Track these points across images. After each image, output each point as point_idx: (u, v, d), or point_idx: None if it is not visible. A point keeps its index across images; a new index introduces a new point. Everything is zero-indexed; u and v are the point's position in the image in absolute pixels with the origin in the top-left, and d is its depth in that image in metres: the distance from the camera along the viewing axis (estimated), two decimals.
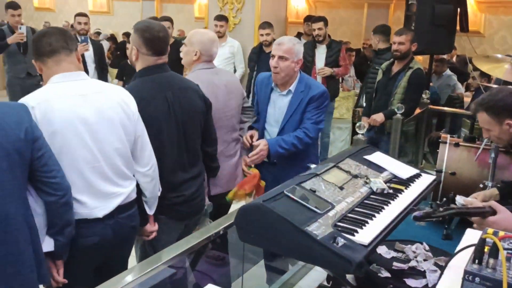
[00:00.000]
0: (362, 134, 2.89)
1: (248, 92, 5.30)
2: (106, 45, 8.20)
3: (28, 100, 1.74)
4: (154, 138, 2.09)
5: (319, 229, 1.45)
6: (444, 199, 1.89)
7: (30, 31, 5.23)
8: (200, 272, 2.26)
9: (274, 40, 5.24)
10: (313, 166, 1.93)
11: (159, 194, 2.15)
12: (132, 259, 2.20)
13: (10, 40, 4.92)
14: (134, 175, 2.04)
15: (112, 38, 10.58)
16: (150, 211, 2.15)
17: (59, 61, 1.85)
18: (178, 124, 2.22)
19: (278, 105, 2.77)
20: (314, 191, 1.66)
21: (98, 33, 10.48)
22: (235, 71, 5.56)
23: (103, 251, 1.93)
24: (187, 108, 2.25)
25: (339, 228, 1.49)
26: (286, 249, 1.52)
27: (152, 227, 2.20)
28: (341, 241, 1.41)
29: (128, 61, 5.02)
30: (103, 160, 1.87)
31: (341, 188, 1.76)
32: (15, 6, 5.17)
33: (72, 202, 1.76)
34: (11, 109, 1.61)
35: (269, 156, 2.69)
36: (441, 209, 1.54)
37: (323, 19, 5.19)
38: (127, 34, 10.05)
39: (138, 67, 2.25)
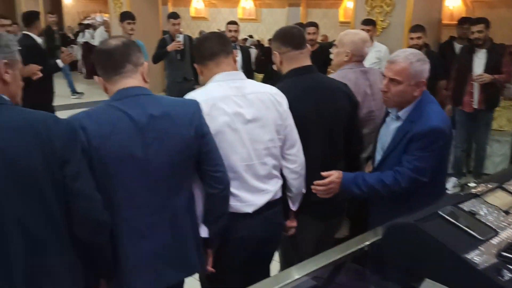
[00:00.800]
0: None
1: None
2: (253, 52, 8.58)
3: (196, 96, 1.87)
4: (301, 137, 2.11)
5: (480, 257, 1.30)
6: None
7: (188, 38, 5.69)
8: (340, 286, 2.20)
9: (425, 44, 4.93)
10: (471, 184, 1.73)
11: (304, 191, 2.18)
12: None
13: (170, 47, 5.41)
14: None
15: (259, 44, 11.03)
16: (294, 207, 2.20)
17: (219, 63, 1.97)
18: (325, 124, 2.23)
19: (388, 130, 2.25)
20: (474, 214, 1.50)
21: (245, 39, 11.01)
22: None
23: (251, 245, 1.99)
24: (333, 109, 2.26)
25: (505, 259, 1.31)
26: (438, 275, 1.38)
27: (292, 223, 2.23)
28: (507, 275, 1.24)
29: (274, 66, 5.18)
30: (256, 159, 1.94)
31: (507, 212, 1.56)
32: (175, 16, 5.67)
33: (229, 196, 1.86)
34: (185, 106, 1.74)
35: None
36: None
37: (484, 20, 4.68)
38: None
39: (285, 70, 2.30)
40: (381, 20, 5.40)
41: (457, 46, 5.53)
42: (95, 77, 1.75)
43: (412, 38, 4.82)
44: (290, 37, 2.27)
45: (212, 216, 1.84)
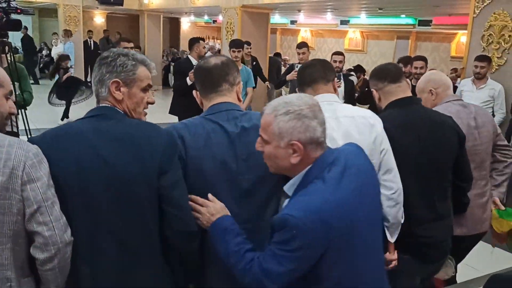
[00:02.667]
0: None
1: (508, 139, 4.71)
2: (354, 79, 8.53)
3: None
4: (402, 168, 2.02)
5: None
6: None
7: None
8: None
9: None
10: None
11: (402, 221, 2.05)
12: None
13: (288, 77, 5.61)
14: None
15: (358, 68, 10.90)
16: (392, 238, 2.06)
17: (317, 89, 2.00)
18: (429, 157, 2.15)
19: None
20: None
21: (350, 70, 10.95)
22: (493, 116, 5.01)
23: None
24: (440, 141, 2.18)
25: None
26: None
27: (392, 256, 2.09)
28: None
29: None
30: None
31: None
32: (299, 46, 5.84)
33: None
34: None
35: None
36: None
37: None
38: None
39: (385, 103, 2.27)
40: (497, 57, 5.09)
41: None
42: (194, 92, 1.81)
43: None
44: (385, 72, 2.28)
45: None
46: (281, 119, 1.43)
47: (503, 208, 2.65)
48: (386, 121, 2.05)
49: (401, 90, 2.23)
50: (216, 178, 1.62)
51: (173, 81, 5.18)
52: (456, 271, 2.51)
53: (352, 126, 1.93)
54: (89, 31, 14.17)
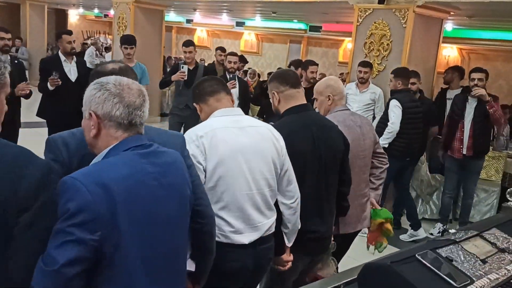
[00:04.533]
0: None
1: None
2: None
3: (197, 130, 1.96)
4: (298, 171, 2.18)
5: None
6: None
7: (202, 67, 5.71)
8: None
9: (419, 89, 5.03)
10: (452, 230, 1.75)
11: (299, 227, 2.22)
12: None
13: (173, 77, 5.41)
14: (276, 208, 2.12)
15: (256, 75, 11.15)
16: (289, 243, 2.23)
17: (220, 98, 2.09)
18: (321, 159, 2.32)
19: None
20: (451, 260, 1.50)
21: (246, 72, 11.15)
22: (374, 118, 5.42)
23: (242, 277, 2.02)
24: (329, 145, 2.36)
25: None
26: None
27: (288, 257, 2.25)
28: None
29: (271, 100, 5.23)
30: (255, 189, 1.99)
31: (484, 261, 1.55)
32: (186, 44, 5.66)
33: (215, 233, 1.79)
34: (172, 137, 1.75)
35: None
36: None
37: (485, 70, 4.76)
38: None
39: (283, 109, 2.40)
40: (377, 63, 5.52)
41: (450, 93, 5.64)
42: None
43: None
44: (287, 77, 2.41)
45: (197, 252, 1.77)
46: (88, 88, 1.43)
47: (379, 207, 2.93)
48: (286, 127, 2.24)
49: (300, 96, 2.39)
50: None
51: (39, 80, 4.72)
52: (337, 270, 2.70)
53: (256, 134, 2.04)
54: None
